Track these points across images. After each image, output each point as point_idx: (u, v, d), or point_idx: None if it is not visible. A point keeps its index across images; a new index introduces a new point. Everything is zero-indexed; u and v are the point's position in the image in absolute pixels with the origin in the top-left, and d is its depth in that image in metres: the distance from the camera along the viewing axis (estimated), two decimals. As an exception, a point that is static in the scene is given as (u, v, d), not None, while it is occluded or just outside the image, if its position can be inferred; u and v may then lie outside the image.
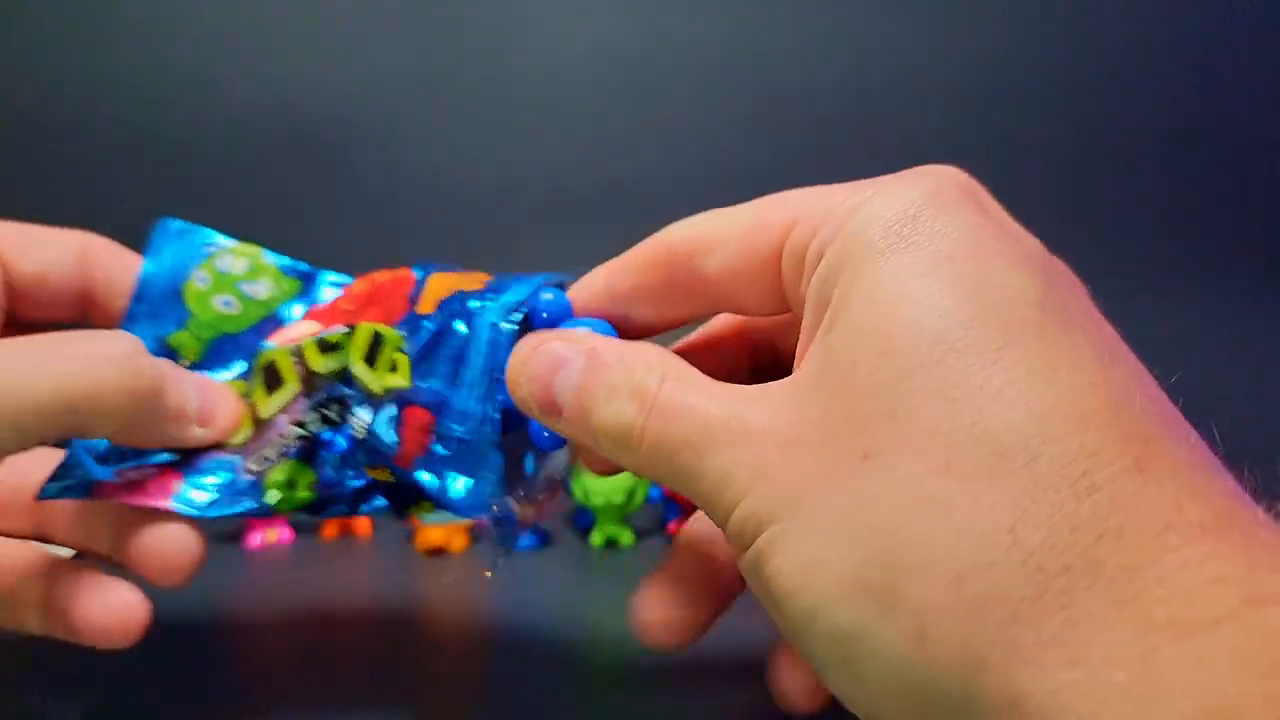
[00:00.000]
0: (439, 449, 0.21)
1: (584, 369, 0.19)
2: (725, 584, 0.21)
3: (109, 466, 0.22)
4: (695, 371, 0.18)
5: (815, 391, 0.16)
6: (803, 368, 0.17)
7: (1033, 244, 0.18)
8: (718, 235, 0.19)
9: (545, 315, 0.21)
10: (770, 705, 0.20)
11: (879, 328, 0.16)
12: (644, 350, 0.19)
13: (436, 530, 0.37)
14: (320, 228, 0.61)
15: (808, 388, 0.17)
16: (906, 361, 0.15)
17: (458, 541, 0.38)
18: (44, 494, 0.22)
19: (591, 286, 0.21)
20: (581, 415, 0.19)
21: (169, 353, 0.25)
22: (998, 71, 0.63)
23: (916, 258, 0.16)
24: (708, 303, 0.20)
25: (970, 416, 0.15)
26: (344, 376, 0.23)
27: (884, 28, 0.62)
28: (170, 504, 0.22)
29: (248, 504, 0.23)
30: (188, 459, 0.23)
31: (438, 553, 0.37)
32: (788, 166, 0.62)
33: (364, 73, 0.61)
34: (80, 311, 0.26)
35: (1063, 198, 0.62)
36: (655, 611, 0.21)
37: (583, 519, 0.39)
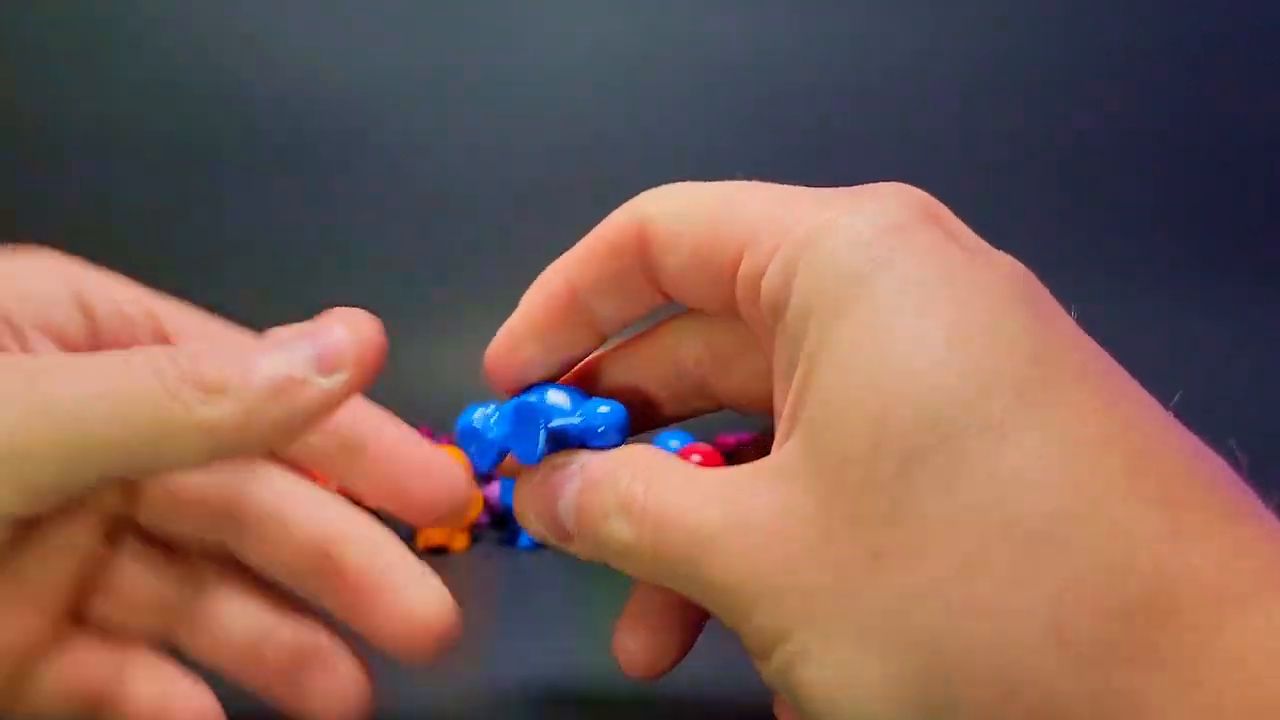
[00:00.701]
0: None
1: (579, 490, 0.18)
2: (694, 612, 0.21)
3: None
4: (680, 467, 0.17)
5: (807, 482, 0.15)
6: (787, 449, 0.16)
7: (1005, 265, 0.16)
8: (671, 234, 0.18)
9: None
10: (765, 705, 0.20)
11: (865, 410, 0.14)
12: (630, 455, 0.18)
13: (438, 530, 0.37)
14: (320, 227, 0.61)
15: (797, 477, 0.15)
16: (904, 452, 0.14)
17: (459, 541, 0.38)
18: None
19: (549, 288, 0.20)
20: (590, 541, 0.18)
21: None
22: (999, 70, 0.63)
23: (892, 309, 0.15)
24: (672, 294, 0.19)
25: (984, 506, 0.13)
26: None
27: (885, 27, 0.62)
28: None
29: None
30: None
31: (440, 551, 0.37)
32: (789, 166, 0.62)
33: (364, 73, 0.61)
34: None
35: (1063, 197, 0.62)
36: (627, 643, 0.20)
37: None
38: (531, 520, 0.19)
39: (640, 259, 0.18)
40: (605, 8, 0.62)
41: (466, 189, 0.62)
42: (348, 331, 0.18)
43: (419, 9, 0.61)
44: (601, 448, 0.19)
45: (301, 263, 0.59)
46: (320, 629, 0.20)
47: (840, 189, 0.17)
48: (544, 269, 0.20)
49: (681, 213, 0.18)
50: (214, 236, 0.60)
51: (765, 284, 0.16)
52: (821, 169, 0.62)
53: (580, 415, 0.19)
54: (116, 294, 0.20)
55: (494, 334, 0.20)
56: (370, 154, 0.62)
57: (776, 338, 0.17)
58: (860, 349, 0.15)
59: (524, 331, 0.20)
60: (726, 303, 0.18)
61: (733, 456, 0.47)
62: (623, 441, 0.19)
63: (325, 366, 0.17)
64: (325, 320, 0.18)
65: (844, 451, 0.14)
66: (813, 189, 0.17)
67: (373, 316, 0.18)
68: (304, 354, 0.17)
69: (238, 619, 0.20)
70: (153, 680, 0.19)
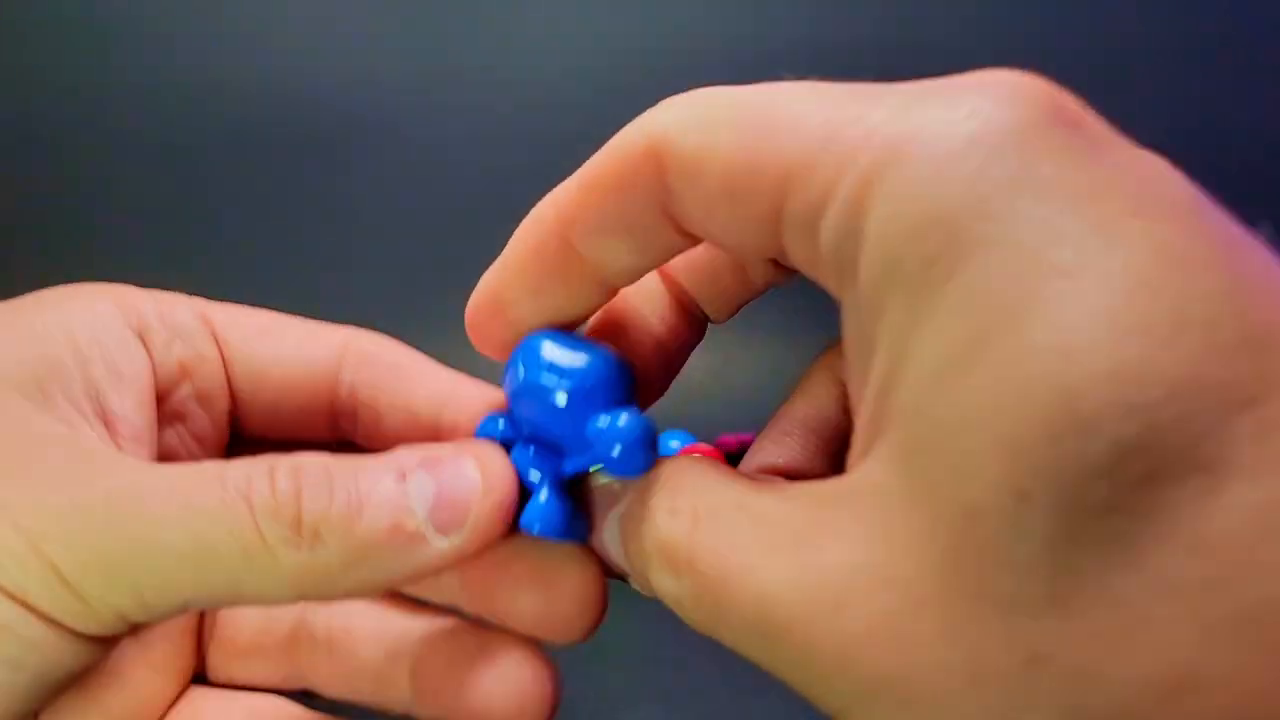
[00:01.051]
0: None
1: (621, 523, 0.15)
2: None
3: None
4: (734, 492, 0.13)
5: (908, 532, 0.10)
6: (872, 475, 0.11)
7: (1179, 188, 0.11)
8: (694, 156, 0.13)
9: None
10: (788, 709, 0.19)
11: (998, 435, 0.09)
12: (672, 477, 0.14)
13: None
14: (319, 226, 0.61)
15: (893, 524, 0.11)
16: (1072, 504, 0.09)
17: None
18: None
19: (540, 229, 0.16)
20: (645, 588, 0.14)
21: None
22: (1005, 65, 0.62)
23: (1025, 271, 0.10)
24: (700, 235, 0.15)
25: (1210, 579, 0.09)
26: None
27: (887, 25, 0.62)
28: None
29: None
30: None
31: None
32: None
33: (364, 72, 0.61)
34: (333, 432, 0.20)
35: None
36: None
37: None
38: (609, 549, 0.16)
39: (655, 190, 0.14)
40: (608, 7, 0.62)
41: (466, 188, 0.62)
42: (479, 475, 0.15)
43: (420, 7, 0.61)
44: (627, 475, 0.15)
45: (301, 259, 0.59)
46: (460, 624, 0.19)
47: (925, 82, 0.12)
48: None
49: (707, 127, 0.13)
50: (213, 234, 0.60)
51: (825, 230, 0.12)
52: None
53: (591, 445, 0.16)
54: (173, 312, 0.19)
55: None
56: (369, 151, 0.62)
57: (844, 304, 0.12)
58: (980, 335, 0.10)
59: (510, 283, 0.16)
60: (767, 248, 0.13)
61: (734, 458, 0.47)
62: (650, 463, 0.15)
63: (443, 517, 0.15)
64: (456, 453, 0.16)
65: (968, 497, 0.10)
66: (886, 84, 0.12)
67: (506, 461, 0.16)
68: (422, 494, 0.15)
69: (364, 638, 0.19)
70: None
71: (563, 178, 0.17)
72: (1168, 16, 0.62)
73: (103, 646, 0.15)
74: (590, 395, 0.16)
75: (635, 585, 0.15)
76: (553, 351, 0.16)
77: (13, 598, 0.14)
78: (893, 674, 0.10)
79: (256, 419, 0.20)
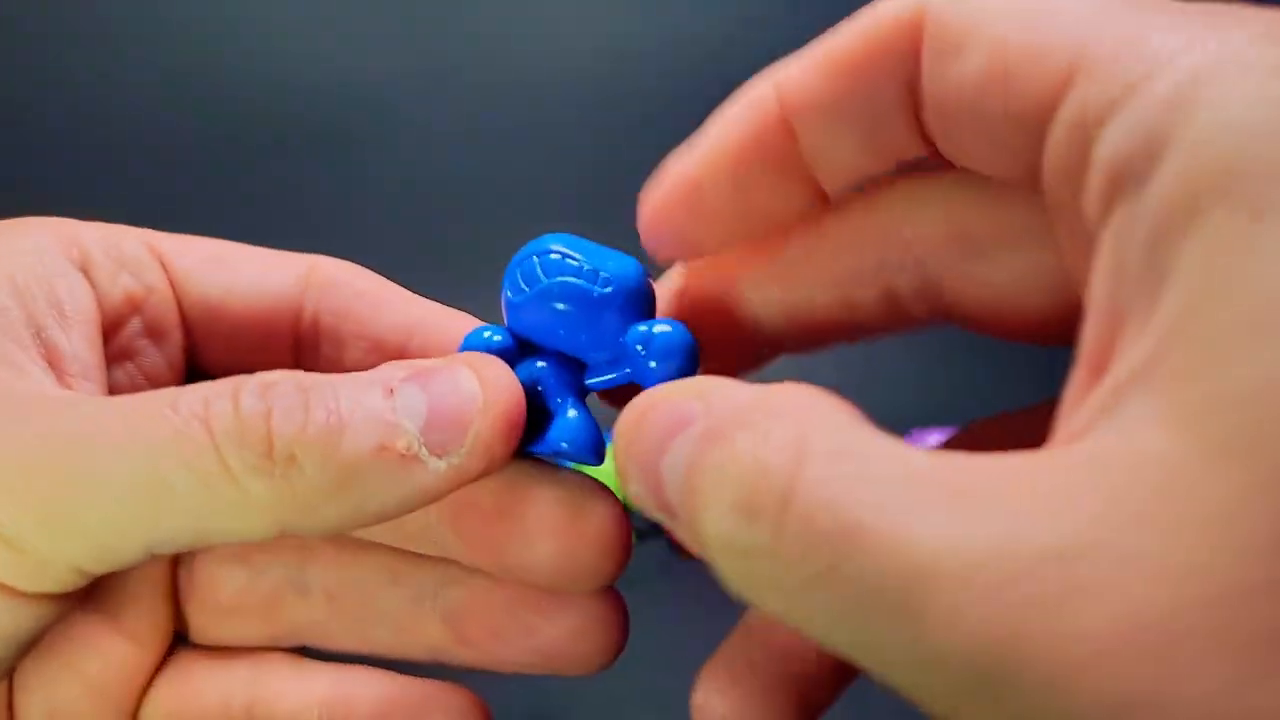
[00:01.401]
0: None
1: (697, 439, 0.11)
2: (832, 679, 0.15)
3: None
4: (871, 432, 0.10)
5: (1216, 511, 0.08)
6: (1148, 436, 0.09)
7: None
8: (963, 30, 0.11)
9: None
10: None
11: None
12: (786, 397, 0.11)
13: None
14: (319, 225, 0.61)
15: (1189, 497, 0.08)
16: None
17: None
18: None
19: (756, 106, 0.13)
20: (691, 521, 0.11)
21: None
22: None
23: None
24: (939, 135, 0.13)
25: None
26: None
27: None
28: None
29: None
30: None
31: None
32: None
33: (363, 70, 0.61)
34: (294, 356, 0.18)
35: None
36: (711, 705, 0.14)
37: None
38: (633, 479, 0.12)
39: (906, 71, 0.12)
40: (608, 5, 0.62)
41: (466, 186, 0.62)
42: (477, 386, 0.13)
43: (419, 6, 0.61)
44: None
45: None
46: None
47: (1222, 4, 0.10)
48: None
49: (982, 3, 0.12)
50: (211, 232, 0.60)
51: (1107, 139, 0.10)
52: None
53: (626, 349, 0.14)
54: (118, 244, 0.18)
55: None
56: (369, 151, 0.62)
57: (1107, 229, 0.10)
58: None
59: (714, 171, 0.14)
60: (1019, 159, 0.12)
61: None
62: (690, 370, 0.14)
63: (439, 435, 0.13)
64: (449, 364, 0.14)
65: None
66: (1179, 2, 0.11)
67: (508, 370, 0.14)
68: (412, 410, 0.13)
69: (380, 583, 0.17)
70: (300, 679, 0.17)
71: (563, 178, 0.16)
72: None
73: (64, 602, 0.14)
74: (632, 299, 0.14)
75: (676, 531, 0.12)
76: (582, 252, 0.15)
77: None
78: (1146, 695, 0.08)
79: (214, 353, 0.18)
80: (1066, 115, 0.11)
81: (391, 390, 0.13)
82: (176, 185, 0.60)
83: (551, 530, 0.15)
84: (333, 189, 0.61)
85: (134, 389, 0.17)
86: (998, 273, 0.14)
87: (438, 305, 0.18)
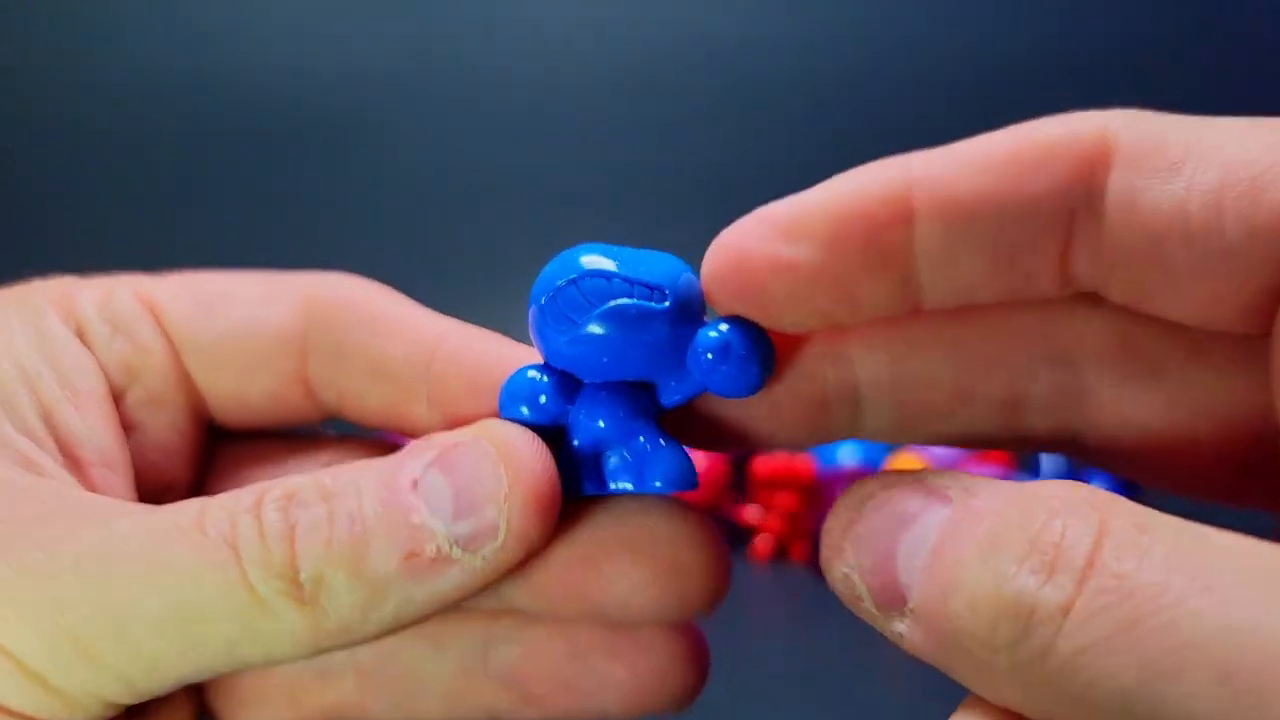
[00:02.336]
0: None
1: (945, 525, 0.10)
2: None
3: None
4: (1202, 531, 0.09)
5: None
6: None
7: None
8: (1160, 149, 0.11)
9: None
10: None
11: None
12: (1055, 490, 0.10)
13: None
14: (319, 225, 0.61)
15: None
16: None
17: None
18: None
19: (871, 193, 0.12)
20: (936, 599, 0.10)
21: None
22: (1005, 63, 0.62)
23: None
24: (1084, 265, 0.11)
25: None
26: None
27: (890, 21, 0.62)
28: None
29: None
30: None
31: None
32: (791, 165, 0.61)
33: (362, 69, 0.61)
34: (311, 404, 0.17)
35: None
36: None
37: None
38: (852, 556, 0.11)
39: (1071, 193, 0.11)
40: (606, 4, 0.62)
41: (465, 186, 0.61)
42: (501, 469, 0.12)
43: (419, 5, 0.61)
44: (738, 395, 0.13)
45: (296, 254, 0.59)
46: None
47: None
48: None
49: (1169, 131, 0.11)
50: (211, 230, 0.59)
51: None
52: (822, 168, 0.61)
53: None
54: (110, 301, 0.16)
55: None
56: (369, 151, 0.61)
57: None
58: None
59: (805, 238, 0.12)
60: (1240, 285, 0.11)
61: (740, 463, 0.46)
62: (764, 380, 0.13)
63: (468, 528, 0.12)
64: (474, 440, 0.13)
65: None
66: None
67: (528, 436, 0.13)
68: (439, 503, 0.12)
69: (419, 656, 0.16)
70: None
71: (562, 177, 0.15)
72: (1168, 14, 0.62)
73: None
74: (691, 305, 0.13)
75: (892, 626, 0.11)
76: (620, 264, 0.13)
77: None
78: None
79: (228, 409, 0.17)
80: None
81: (415, 482, 0.12)
82: (179, 183, 0.60)
83: (649, 558, 0.14)
84: (337, 183, 0.61)
85: (149, 469, 0.16)
86: (1162, 398, 0.13)
87: (455, 323, 0.16)
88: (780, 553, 0.43)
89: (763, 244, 0.12)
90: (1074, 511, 0.09)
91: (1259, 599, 0.08)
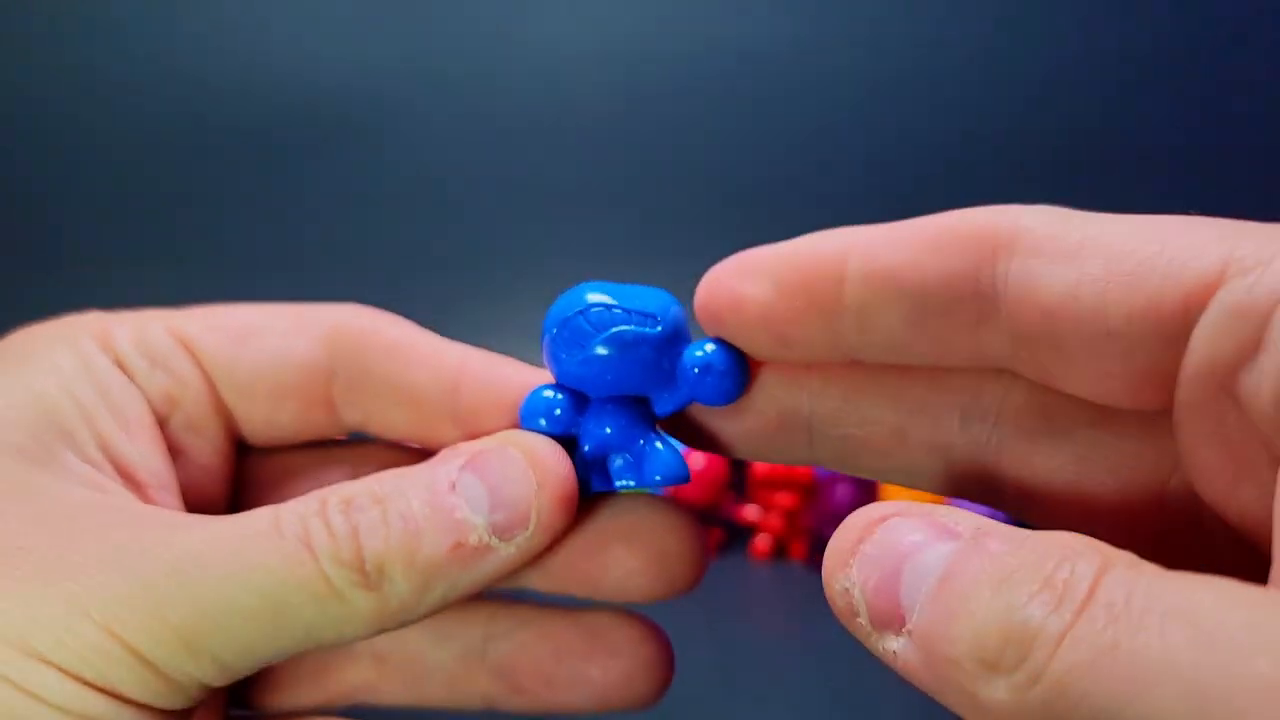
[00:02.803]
0: None
1: (954, 556, 0.11)
2: None
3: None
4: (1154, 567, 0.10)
5: None
6: None
7: None
8: (1058, 236, 0.12)
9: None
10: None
11: None
12: (1065, 538, 0.11)
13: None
14: (318, 225, 0.61)
15: None
16: None
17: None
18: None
19: (817, 253, 0.14)
20: (939, 622, 0.11)
21: None
22: (1007, 69, 0.62)
23: None
24: (994, 342, 0.13)
25: None
26: None
27: (891, 26, 0.62)
28: None
29: None
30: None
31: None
32: (791, 165, 0.61)
33: (363, 69, 0.61)
34: (334, 423, 0.19)
35: (1063, 198, 0.62)
36: None
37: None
38: (852, 574, 0.12)
39: (981, 271, 0.13)
40: (608, 4, 0.62)
41: (465, 185, 0.61)
42: (529, 470, 0.15)
43: (419, 5, 0.61)
44: (720, 404, 0.16)
45: (297, 258, 0.59)
46: (535, 609, 0.18)
47: None
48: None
49: (1068, 225, 0.12)
50: (210, 230, 0.60)
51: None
52: (823, 168, 0.61)
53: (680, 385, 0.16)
54: (145, 337, 0.18)
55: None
56: (369, 151, 0.61)
57: None
58: None
59: (754, 284, 0.14)
60: (1130, 365, 0.12)
61: (740, 464, 0.46)
62: (741, 389, 0.16)
63: (504, 521, 0.14)
64: (500, 446, 0.15)
65: None
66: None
67: (550, 444, 0.15)
68: (476, 502, 0.14)
69: (426, 643, 0.18)
70: None
71: (562, 176, 0.17)
72: (1166, 16, 0.62)
73: (186, 716, 0.15)
74: (680, 330, 0.16)
75: (884, 646, 0.12)
76: (618, 297, 0.16)
77: (103, 691, 0.14)
78: None
79: (257, 429, 0.19)
80: (1227, 303, 0.11)
81: (453, 484, 0.15)
82: (179, 189, 0.60)
83: (632, 549, 0.17)
84: (339, 190, 0.61)
85: (193, 487, 0.18)
86: (1071, 457, 0.14)
87: (473, 349, 0.18)
88: (779, 551, 0.43)
89: (728, 279, 0.15)
90: (1082, 554, 0.10)
91: (1225, 622, 0.09)
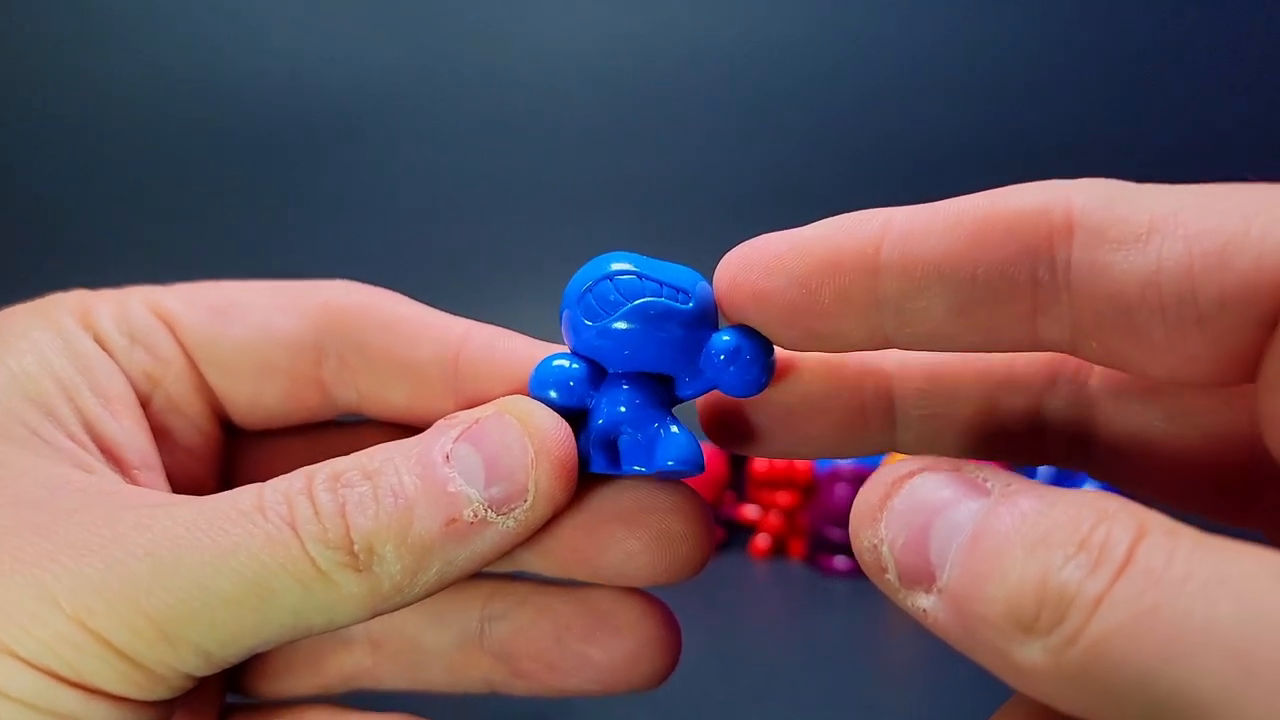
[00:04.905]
0: None
1: (985, 513, 0.11)
2: None
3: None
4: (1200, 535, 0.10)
5: None
6: None
7: None
8: (1156, 222, 0.11)
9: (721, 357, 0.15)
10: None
11: None
12: (1098, 498, 0.11)
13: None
14: (318, 225, 0.61)
15: None
16: None
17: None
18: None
19: (860, 236, 0.13)
20: (971, 582, 0.11)
21: None
22: (1008, 67, 0.62)
23: None
24: (1053, 330, 0.12)
25: None
26: None
27: (891, 24, 0.62)
28: None
29: None
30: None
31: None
32: (790, 166, 0.61)
33: (363, 70, 0.61)
34: (325, 402, 0.18)
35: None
36: None
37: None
38: (875, 531, 0.12)
39: (1035, 257, 0.12)
40: (608, 4, 0.62)
41: (464, 185, 0.61)
42: (526, 439, 0.14)
43: (420, 4, 0.61)
44: (744, 394, 0.14)
45: (297, 257, 0.59)
46: (534, 587, 0.17)
47: None
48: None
49: (1130, 202, 0.11)
50: (208, 229, 0.59)
51: None
52: (824, 167, 0.61)
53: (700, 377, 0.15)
54: (126, 314, 0.17)
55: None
56: (369, 151, 0.61)
57: None
58: None
59: (777, 278, 0.13)
60: (1210, 346, 0.11)
61: (739, 463, 0.46)
62: (767, 381, 0.15)
63: (501, 493, 0.14)
64: (496, 415, 0.14)
65: None
66: None
67: (548, 412, 0.15)
68: (471, 473, 0.14)
69: (423, 626, 0.18)
70: None
71: (561, 176, 0.16)
72: (1167, 17, 0.62)
73: (170, 706, 0.14)
74: (709, 311, 0.15)
75: (914, 601, 0.11)
76: (649, 269, 0.15)
77: (72, 684, 0.13)
78: None
79: (245, 411, 0.18)
80: None
81: (448, 456, 0.14)
82: (182, 185, 0.60)
83: (642, 528, 0.16)
84: (338, 189, 0.61)
85: (179, 469, 0.17)
86: (1160, 414, 0.14)
87: (473, 323, 0.17)
88: (778, 550, 0.43)
89: (748, 273, 0.14)
90: (1118, 517, 0.10)
91: (1270, 589, 0.09)
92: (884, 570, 0.12)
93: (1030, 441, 0.15)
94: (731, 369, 0.14)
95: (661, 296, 0.14)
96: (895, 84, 0.62)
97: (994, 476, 0.11)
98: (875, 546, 0.12)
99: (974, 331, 0.13)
